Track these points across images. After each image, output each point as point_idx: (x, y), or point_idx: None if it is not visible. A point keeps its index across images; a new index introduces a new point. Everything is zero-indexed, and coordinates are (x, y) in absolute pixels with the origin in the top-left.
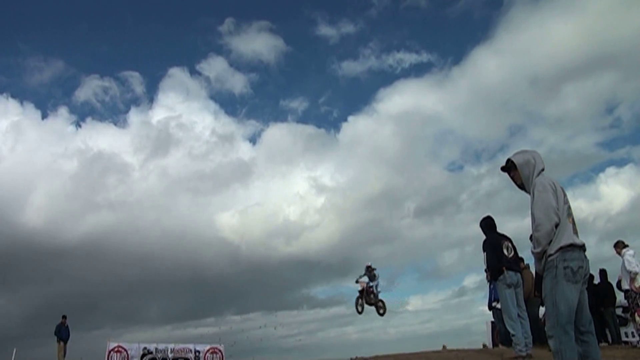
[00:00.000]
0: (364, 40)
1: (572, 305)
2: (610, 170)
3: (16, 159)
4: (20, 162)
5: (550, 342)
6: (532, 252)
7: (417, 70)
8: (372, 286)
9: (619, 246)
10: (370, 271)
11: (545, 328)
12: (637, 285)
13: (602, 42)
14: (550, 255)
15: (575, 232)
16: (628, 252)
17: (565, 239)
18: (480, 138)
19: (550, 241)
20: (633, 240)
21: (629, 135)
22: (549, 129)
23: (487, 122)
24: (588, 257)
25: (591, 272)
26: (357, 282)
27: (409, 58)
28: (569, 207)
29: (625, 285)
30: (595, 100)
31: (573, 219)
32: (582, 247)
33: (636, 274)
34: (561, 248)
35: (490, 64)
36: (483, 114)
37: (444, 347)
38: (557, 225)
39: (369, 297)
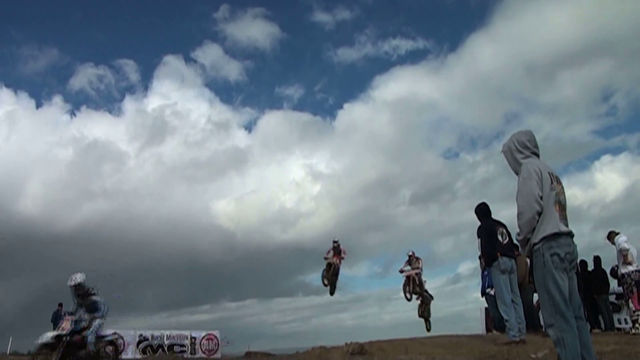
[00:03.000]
0: (359, 27)
1: (565, 292)
2: (606, 158)
3: (11, 149)
4: (15, 151)
5: (550, 331)
6: (516, 239)
7: (413, 57)
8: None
9: (611, 236)
10: (84, 297)
11: (544, 317)
12: (628, 260)
13: (598, 30)
14: (535, 244)
15: (563, 218)
16: (621, 238)
17: (550, 227)
18: (475, 125)
19: (534, 229)
20: (627, 228)
21: (625, 123)
22: (545, 116)
23: (483, 110)
24: (582, 245)
25: (585, 259)
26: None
27: (405, 45)
28: (557, 194)
29: (622, 270)
30: (591, 88)
31: (561, 206)
32: (569, 234)
33: (627, 250)
34: (545, 237)
35: (486, 51)
36: (479, 101)
37: None
38: (540, 214)
39: None
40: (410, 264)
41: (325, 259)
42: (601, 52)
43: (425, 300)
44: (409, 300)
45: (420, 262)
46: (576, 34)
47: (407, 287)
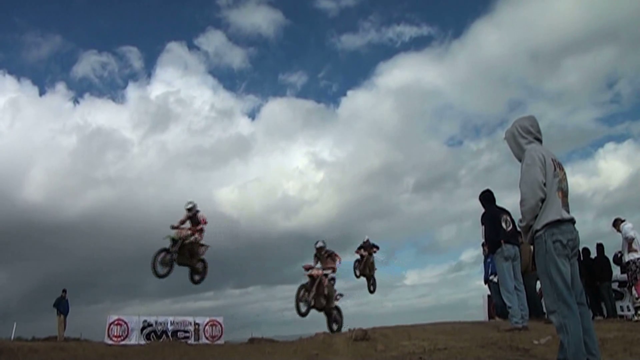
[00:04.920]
0: (363, 13)
1: (567, 278)
2: (609, 145)
3: (15, 136)
4: (18, 139)
5: (552, 317)
6: (519, 226)
7: (417, 44)
8: None
9: (617, 224)
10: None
11: (546, 304)
12: (633, 248)
13: (602, 17)
14: (538, 230)
15: (565, 205)
16: (627, 225)
17: (553, 214)
18: (479, 113)
19: (536, 216)
20: (630, 216)
21: (629, 110)
22: (549, 103)
23: (487, 97)
24: (586, 233)
25: (588, 246)
26: None
27: (409, 31)
28: (560, 181)
29: (627, 258)
30: (595, 75)
31: (564, 193)
32: (571, 220)
33: (632, 238)
34: (548, 224)
35: (491, 38)
36: (483, 88)
37: None
38: (543, 200)
39: None
40: (320, 260)
41: (173, 228)
42: (606, 39)
43: (335, 320)
44: (302, 315)
45: (338, 260)
46: (581, 21)
47: (305, 294)
